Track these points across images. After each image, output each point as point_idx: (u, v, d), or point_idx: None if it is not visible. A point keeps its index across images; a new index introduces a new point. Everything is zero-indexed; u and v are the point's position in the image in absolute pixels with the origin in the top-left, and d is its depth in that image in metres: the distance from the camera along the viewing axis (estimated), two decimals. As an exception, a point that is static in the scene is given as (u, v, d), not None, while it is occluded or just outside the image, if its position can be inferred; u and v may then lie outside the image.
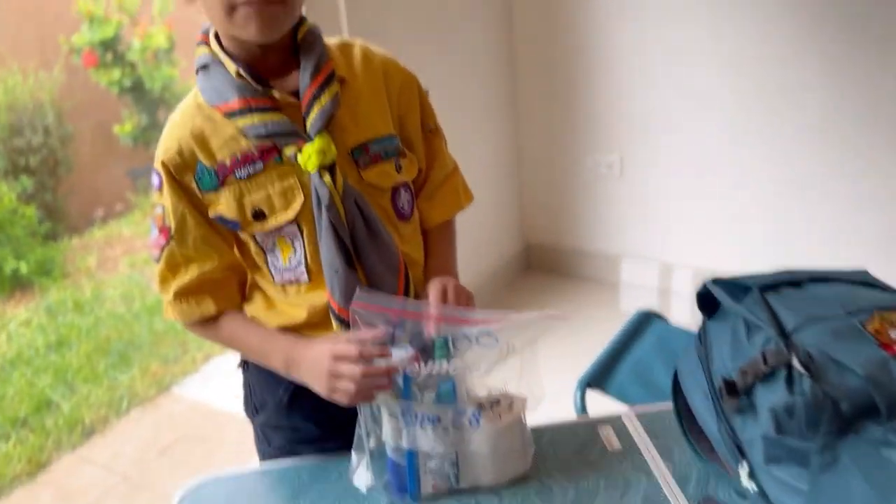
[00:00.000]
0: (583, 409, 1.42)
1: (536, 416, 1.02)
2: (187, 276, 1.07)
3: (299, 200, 1.02)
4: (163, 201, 1.05)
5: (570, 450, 1.07)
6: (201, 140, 1.02)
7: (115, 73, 4.33)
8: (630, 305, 2.98)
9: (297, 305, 1.09)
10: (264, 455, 1.21)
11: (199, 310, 1.09)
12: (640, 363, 1.52)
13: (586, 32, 2.86)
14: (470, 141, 2.81)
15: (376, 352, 0.94)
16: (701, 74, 2.69)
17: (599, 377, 1.48)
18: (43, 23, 4.20)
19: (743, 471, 0.85)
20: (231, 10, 0.93)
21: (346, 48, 1.10)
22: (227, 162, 1.02)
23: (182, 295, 1.08)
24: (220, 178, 1.02)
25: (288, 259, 1.06)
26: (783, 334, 0.84)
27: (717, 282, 0.97)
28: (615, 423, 1.12)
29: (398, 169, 1.10)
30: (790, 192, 2.68)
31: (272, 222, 1.03)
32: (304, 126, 1.00)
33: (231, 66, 1.00)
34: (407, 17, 2.46)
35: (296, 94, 1.02)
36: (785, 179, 2.68)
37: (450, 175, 1.22)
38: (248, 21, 0.93)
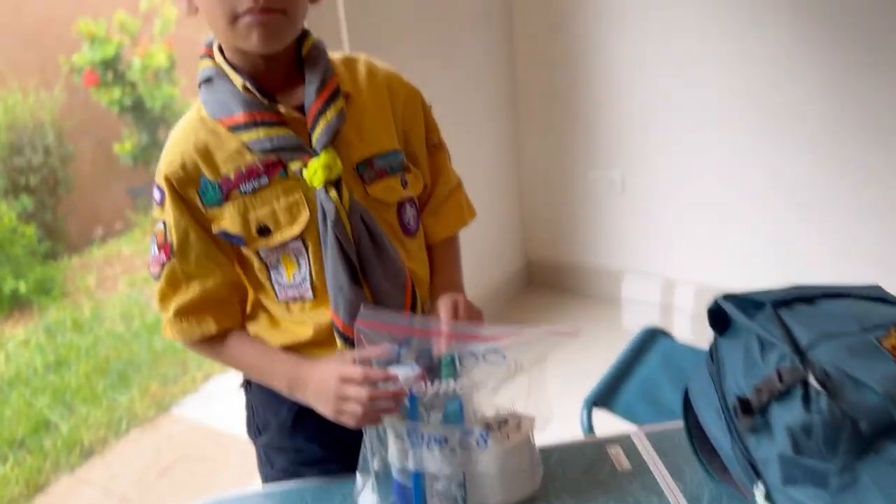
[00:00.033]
0: (590, 428, 1.40)
1: (544, 436, 1.01)
2: (188, 293, 1.05)
3: (305, 216, 1.01)
4: (164, 216, 1.03)
5: (578, 470, 1.05)
6: (205, 153, 1.01)
7: (116, 93, 4.34)
8: (632, 322, 2.97)
9: (302, 323, 1.07)
10: (267, 477, 1.19)
11: (199, 328, 1.07)
12: (646, 381, 1.50)
13: (588, 52, 2.86)
14: (471, 156, 2.80)
15: (381, 375, 0.92)
16: (703, 90, 2.69)
17: (606, 396, 1.46)
18: (44, 42, 4.21)
19: (759, 491, 0.83)
20: (233, 19, 0.93)
21: (350, 63, 1.09)
22: (232, 176, 1.01)
23: (182, 313, 1.06)
24: (225, 192, 1.01)
25: (292, 276, 1.05)
26: (798, 351, 0.82)
27: (729, 298, 0.95)
28: (624, 442, 1.10)
29: (404, 184, 1.09)
30: (792, 206, 2.68)
31: (277, 238, 1.02)
32: (310, 141, 1.00)
33: (237, 80, 0.99)
34: (407, 31, 2.46)
35: (300, 109, 1.01)
36: (787, 194, 2.67)
37: (454, 190, 1.21)
38: (250, 30, 0.93)
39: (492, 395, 0.95)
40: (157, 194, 1.03)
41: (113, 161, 4.48)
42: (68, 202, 4.27)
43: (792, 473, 0.79)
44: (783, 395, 0.80)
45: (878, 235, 2.56)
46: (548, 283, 3.32)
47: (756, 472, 0.84)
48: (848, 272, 2.53)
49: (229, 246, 1.05)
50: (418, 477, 0.96)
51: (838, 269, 2.62)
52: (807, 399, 0.78)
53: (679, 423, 1.01)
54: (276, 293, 1.07)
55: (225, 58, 1.01)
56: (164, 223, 1.03)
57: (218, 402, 2.84)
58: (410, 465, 0.95)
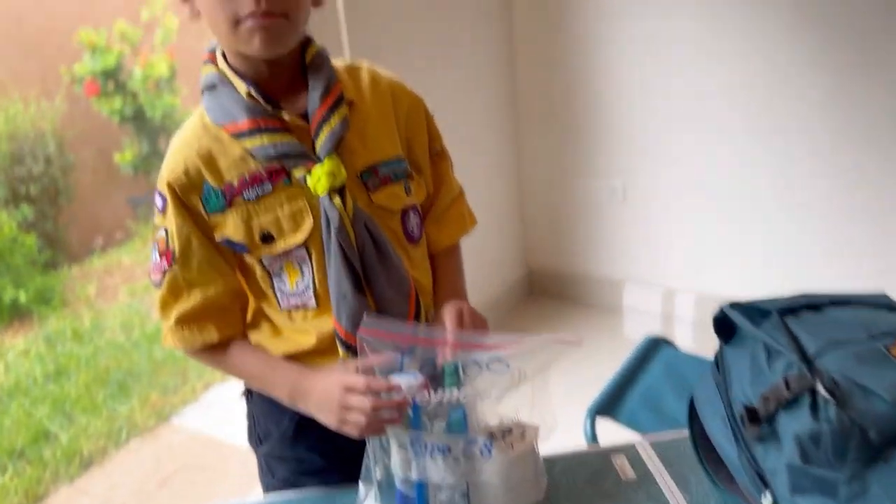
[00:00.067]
0: (593, 437, 1.39)
1: (547, 446, 1.00)
2: (190, 301, 1.04)
3: (308, 223, 1.01)
4: (166, 223, 1.03)
5: (583, 479, 1.04)
6: (209, 160, 1.00)
7: (117, 102, 4.35)
8: (634, 331, 2.96)
9: (305, 331, 1.07)
10: (268, 487, 1.18)
11: (200, 337, 1.06)
12: (649, 390, 1.49)
13: (588, 52, 2.86)
14: (472, 164, 2.78)
15: (384, 385, 0.92)
16: (704, 100, 2.69)
17: (609, 405, 1.45)
18: (45, 52, 4.22)
19: (766, 501, 0.83)
20: (236, 23, 0.93)
21: (353, 71, 1.09)
22: (235, 183, 1.00)
23: (184, 321, 1.05)
24: (228, 199, 1.00)
25: (295, 284, 1.04)
26: (805, 359, 0.82)
27: (735, 306, 0.94)
28: (629, 451, 1.09)
29: (407, 191, 1.09)
30: (794, 217, 2.67)
31: (281, 245, 1.02)
32: (313, 148, 0.99)
33: (241, 86, 0.99)
34: (407, 31, 2.46)
35: (304, 116, 1.01)
36: (789, 203, 2.67)
37: (456, 198, 1.21)
38: (252, 34, 0.93)
39: (495, 404, 0.94)
40: (158, 201, 1.03)
41: (113, 171, 4.48)
42: (69, 212, 4.27)
43: (800, 483, 0.78)
44: (791, 404, 0.80)
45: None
46: (548, 293, 3.31)
47: (763, 482, 0.83)
48: (858, 282, 2.52)
49: (231, 253, 1.05)
50: (421, 486, 0.95)
51: (846, 279, 2.60)
52: (815, 407, 0.77)
53: (684, 432, 1.01)
54: (278, 301, 1.06)
55: (228, 64, 1.01)
56: (166, 230, 1.03)
57: (218, 412, 2.83)
58: (413, 475, 0.94)
